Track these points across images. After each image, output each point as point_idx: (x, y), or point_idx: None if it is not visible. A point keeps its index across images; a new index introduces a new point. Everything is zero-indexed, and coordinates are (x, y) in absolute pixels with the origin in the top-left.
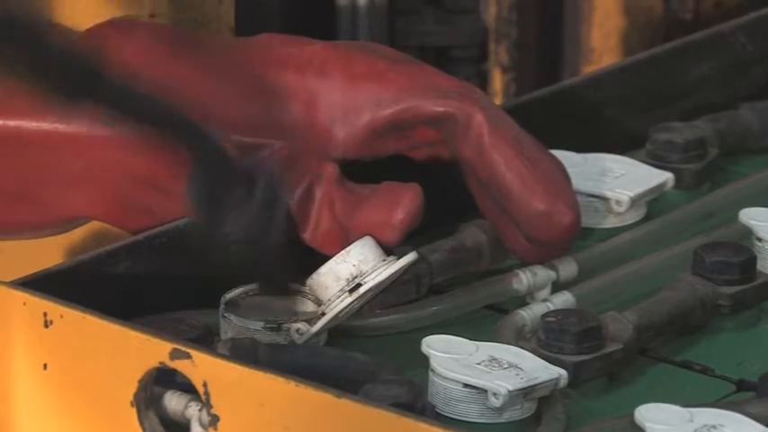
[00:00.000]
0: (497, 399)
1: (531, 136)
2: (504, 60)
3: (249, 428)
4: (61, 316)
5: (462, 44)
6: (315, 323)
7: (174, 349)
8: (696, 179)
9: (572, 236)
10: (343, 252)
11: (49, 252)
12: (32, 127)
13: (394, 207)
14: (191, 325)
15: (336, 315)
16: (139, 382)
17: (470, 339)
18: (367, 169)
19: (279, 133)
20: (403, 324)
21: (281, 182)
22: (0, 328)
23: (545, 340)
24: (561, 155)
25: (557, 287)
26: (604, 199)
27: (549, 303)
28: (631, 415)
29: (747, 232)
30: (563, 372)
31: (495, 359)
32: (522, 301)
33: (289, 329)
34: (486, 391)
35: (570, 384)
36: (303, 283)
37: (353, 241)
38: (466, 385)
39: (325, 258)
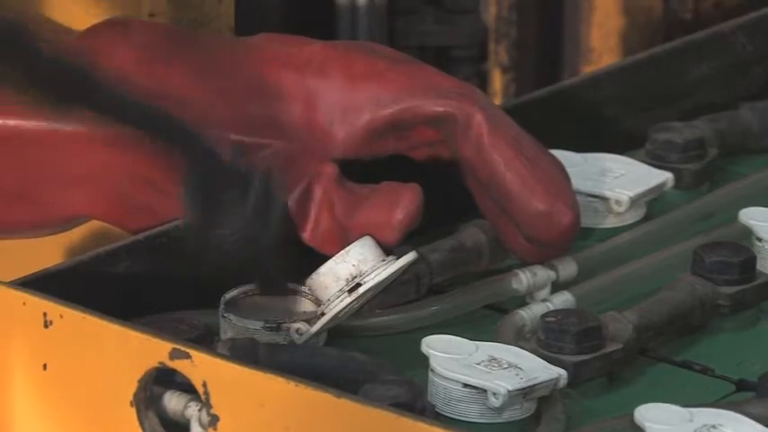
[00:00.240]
0: (497, 399)
1: (531, 136)
2: (503, 60)
3: (249, 428)
4: (61, 316)
5: (462, 44)
6: (314, 323)
7: (174, 349)
8: (696, 179)
9: (572, 236)
10: (342, 252)
11: (49, 252)
12: (32, 127)
13: (393, 207)
14: (191, 325)
15: (336, 315)
16: (139, 382)
17: (470, 339)
18: (366, 169)
19: (278, 133)
20: (403, 324)
21: (277, 182)
22: (0, 328)
23: (545, 340)
24: (561, 155)
25: (556, 287)
26: (604, 199)
27: (548, 303)
28: (631, 415)
29: (747, 232)
30: (563, 372)
31: (494, 359)
32: (522, 301)
33: (288, 329)
34: (485, 390)
35: (570, 384)
36: (303, 283)
37: (353, 241)
38: (466, 385)
39: (324, 258)
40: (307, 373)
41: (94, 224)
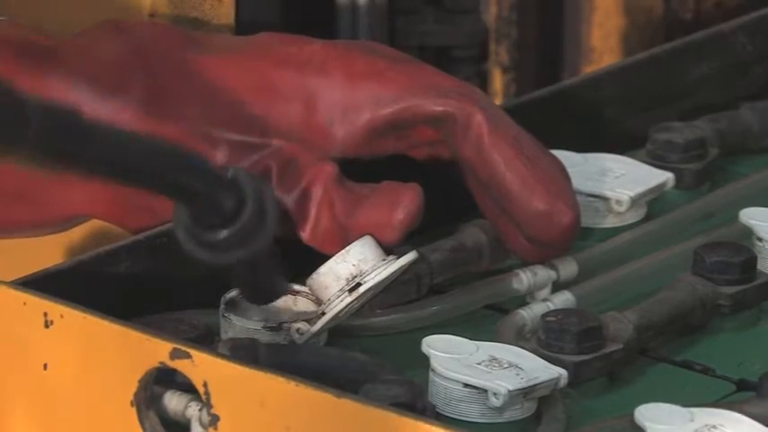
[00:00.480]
0: (497, 398)
1: (531, 136)
2: (504, 60)
3: (249, 428)
4: (61, 316)
5: (462, 44)
6: (315, 323)
7: (175, 349)
8: (696, 179)
9: (572, 235)
10: (342, 252)
11: (49, 252)
12: None
13: (394, 207)
14: (191, 325)
15: (336, 315)
16: (140, 381)
17: (470, 339)
18: (366, 169)
19: (278, 132)
20: (403, 324)
21: (272, 198)
22: (0, 328)
23: (545, 340)
24: (561, 155)
25: (557, 287)
26: (604, 199)
27: (549, 303)
28: (631, 415)
29: (747, 232)
30: (563, 371)
31: (495, 359)
32: (523, 300)
33: (289, 329)
34: (486, 390)
35: (570, 384)
36: (303, 283)
37: (353, 241)
38: (466, 385)
39: (324, 258)
40: (307, 372)
41: (94, 224)
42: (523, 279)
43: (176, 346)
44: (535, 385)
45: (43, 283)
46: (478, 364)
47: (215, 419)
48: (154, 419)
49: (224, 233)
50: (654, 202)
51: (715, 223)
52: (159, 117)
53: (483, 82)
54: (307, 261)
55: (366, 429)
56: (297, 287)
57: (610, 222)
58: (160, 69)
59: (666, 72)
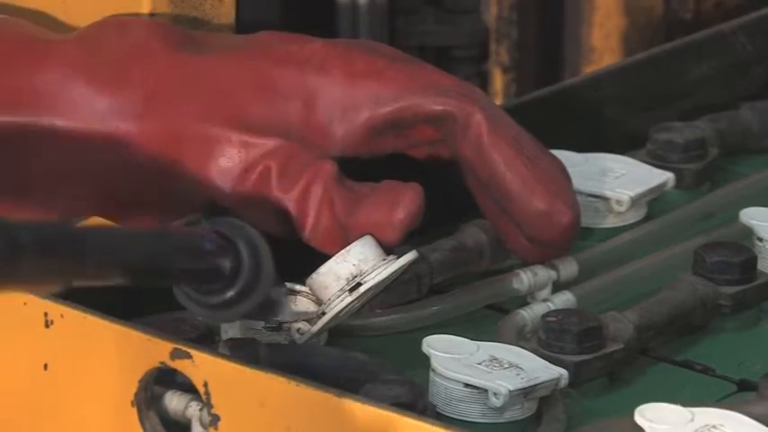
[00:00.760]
0: (498, 398)
1: (531, 135)
2: (504, 60)
3: (250, 428)
4: (62, 316)
5: (463, 44)
6: (315, 323)
7: (175, 349)
8: (696, 179)
9: (572, 235)
10: (342, 251)
11: None
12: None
13: (394, 206)
14: (192, 325)
15: (336, 314)
16: (140, 382)
17: (471, 339)
18: (366, 168)
19: (278, 131)
20: (403, 324)
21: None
22: (0, 328)
23: (546, 340)
24: (561, 155)
25: (557, 287)
26: (605, 199)
27: (549, 303)
28: (632, 415)
29: (748, 232)
30: (563, 371)
31: (495, 359)
32: (523, 300)
33: (289, 329)
34: (486, 390)
35: (571, 384)
36: (303, 283)
37: (353, 240)
38: (467, 385)
39: (324, 258)
40: (308, 372)
41: (95, 223)
42: (524, 279)
43: (177, 346)
44: (536, 385)
45: None
46: (479, 364)
47: (215, 419)
48: (154, 419)
49: (227, 295)
50: (654, 202)
51: (715, 223)
52: (158, 115)
53: (483, 82)
54: (307, 261)
55: (366, 429)
56: (297, 287)
57: (610, 222)
58: (159, 68)
59: (666, 72)
